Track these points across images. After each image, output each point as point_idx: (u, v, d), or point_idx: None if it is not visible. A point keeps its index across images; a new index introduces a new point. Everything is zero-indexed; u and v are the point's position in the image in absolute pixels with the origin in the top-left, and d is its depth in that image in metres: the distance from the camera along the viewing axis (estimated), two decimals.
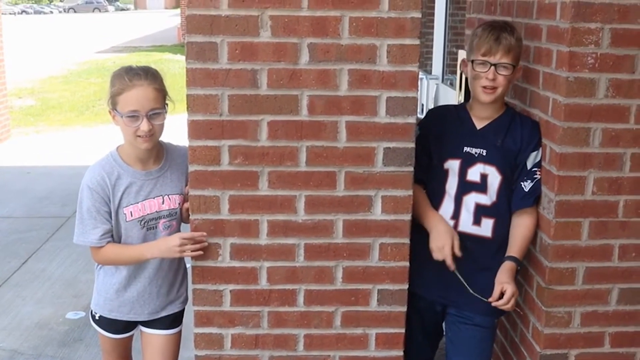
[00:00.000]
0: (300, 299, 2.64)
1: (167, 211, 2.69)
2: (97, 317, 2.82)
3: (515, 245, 2.70)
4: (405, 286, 2.64)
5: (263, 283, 2.62)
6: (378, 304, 2.65)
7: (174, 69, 18.85)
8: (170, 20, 34.11)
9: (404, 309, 2.67)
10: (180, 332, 2.92)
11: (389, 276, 2.62)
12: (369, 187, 2.54)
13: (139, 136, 2.53)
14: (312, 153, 2.50)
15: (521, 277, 2.95)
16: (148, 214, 2.65)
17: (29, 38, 26.56)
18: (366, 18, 2.41)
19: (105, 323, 2.81)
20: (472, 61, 2.65)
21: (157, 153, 2.69)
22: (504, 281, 2.60)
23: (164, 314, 2.82)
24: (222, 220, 2.55)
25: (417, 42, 2.44)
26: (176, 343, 2.91)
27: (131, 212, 2.63)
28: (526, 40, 2.80)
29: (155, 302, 2.78)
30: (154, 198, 2.66)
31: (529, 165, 2.72)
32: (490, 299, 2.61)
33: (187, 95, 2.45)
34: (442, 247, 2.62)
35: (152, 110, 2.53)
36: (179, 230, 2.74)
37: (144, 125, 2.50)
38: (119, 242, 2.67)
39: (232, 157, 2.50)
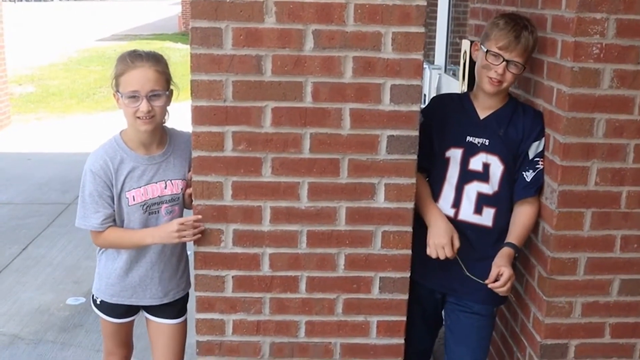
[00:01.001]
0: (302, 285, 2.64)
1: (169, 196, 2.69)
2: (98, 302, 2.83)
3: (515, 232, 2.71)
4: (407, 274, 2.65)
5: (265, 269, 2.62)
6: (380, 291, 2.66)
7: (174, 58, 18.78)
8: (171, 9, 33.99)
9: (406, 297, 2.67)
10: (186, 320, 2.93)
11: (391, 264, 2.63)
12: (372, 174, 2.54)
13: (138, 117, 2.54)
14: (316, 140, 2.50)
15: (522, 267, 2.95)
16: (150, 199, 2.66)
17: (30, 25, 26.48)
18: (371, 5, 2.40)
19: (107, 308, 2.82)
20: (487, 51, 2.64)
21: (161, 138, 2.70)
22: (501, 264, 2.61)
23: (166, 300, 2.83)
24: (225, 206, 2.55)
25: (423, 30, 2.43)
26: (184, 331, 2.93)
27: (133, 196, 2.63)
28: None
29: (158, 287, 2.78)
30: (156, 183, 2.66)
31: (531, 154, 2.72)
32: (486, 281, 2.61)
33: (191, 81, 2.45)
34: (440, 245, 2.63)
35: (152, 91, 2.54)
36: (181, 216, 2.74)
37: (143, 106, 2.51)
38: (121, 226, 2.67)
39: (236, 143, 2.50)
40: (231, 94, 2.46)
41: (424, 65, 5.05)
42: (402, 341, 2.72)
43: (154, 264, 2.75)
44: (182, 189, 2.72)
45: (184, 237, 2.55)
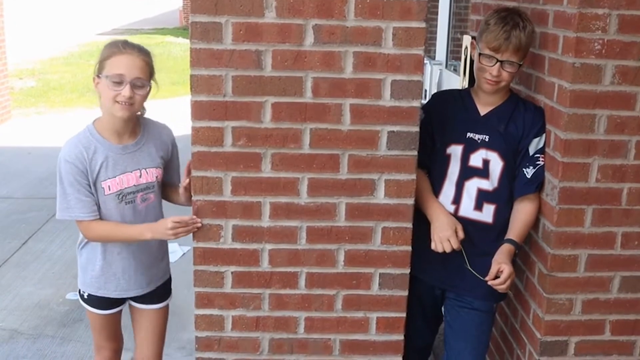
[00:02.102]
0: (302, 281, 2.63)
1: (144, 184, 2.70)
2: (85, 296, 2.84)
3: (515, 229, 2.70)
4: (407, 270, 2.64)
5: (265, 265, 2.61)
6: (379, 287, 2.65)
7: (175, 52, 18.82)
8: (172, 3, 33.92)
9: (405, 293, 2.66)
10: (168, 305, 2.97)
11: (391, 260, 2.62)
12: (372, 170, 2.53)
13: (118, 102, 2.54)
14: (316, 135, 2.49)
15: (523, 263, 2.94)
16: (126, 188, 2.66)
17: (30, 19, 26.44)
18: (372, 0, 2.39)
19: (94, 301, 2.82)
20: (480, 53, 2.63)
21: (134, 127, 2.70)
22: (501, 261, 2.60)
23: (149, 288, 2.86)
24: (225, 201, 2.54)
25: (423, 25, 2.42)
26: (165, 316, 2.98)
27: (109, 186, 2.63)
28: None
29: (141, 277, 2.80)
30: (131, 172, 2.67)
31: (532, 151, 2.71)
32: (486, 278, 2.60)
33: (191, 76, 2.44)
34: (445, 238, 2.62)
35: (137, 78, 2.56)
36: (158, 203, 2.78)
37: (126, 91, 2.52)
38: (99, 216, 2.66)
39: (236, 139, 2.49)
40: (231, 89, 2.45)
41: (425, 61, 5.04)
42: (402, 337, 2.72)
43: (136, 255, 2.76)
44: (156, 177, 2.73)
45: (178, 234, 2.55)
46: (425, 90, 6.07)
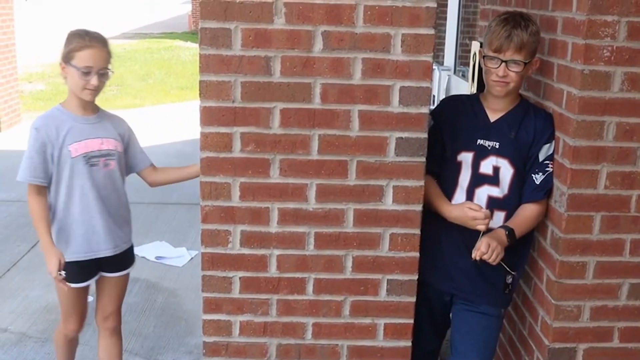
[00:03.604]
0: (310, 287, 2.63)
1: (106, 151, 2.98)
2: (62, 273, 2.95)
3: (514, 220, 2.70)
4: (415, 277, 2.64)
5: (273, 271, 2.61)
6: (387, 294, 2.65)
7: (184, 56, 18.86)
8: (182, 7, 34.00)
9: (413, 299, 2.66)
10: (129, 273, 3.22)
11: (399, 266, 2.62)
12: (380, 176, 2.53)
13: (87, 89, 2.86)
14: (324, 141, 2.49)
15: (531, 270, 2.94)
16: (91, 151, 2.94)
17: (40, 23, 26.57)
18: (381, 7, 2.39)
19: (70, 273, 2.95)
20: (484, 55, 2.64)
21: (94, 107, 3.04)
22: (486, 238, 2.58)
23: (116, 251, 3.08)
24: (233, 207, 2.55)
25: (432, 31, 2.42)
26: (126, 281, 3.24)
27: (75, 148, 2.91)
28: (541, 32, 2.78)
29: (107, 238, 3.02)
30: (93, 139, 2.96)
31: (541, 157, 2.70)
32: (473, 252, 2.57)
33: (200, 82, 2.44)
34: (481, 217, 2.60)
35: (102, 69, 2.87)
36: (118, 174, 3.03)
37: (94, 81, 2.84)
38: (68, 181, 2.93)
39: (244, 144, 2.49)
40: (240, 94, 2.45)
41: (433, 67, 5.04)
42: (410, 344, 2.71)
43: (96, 216, 2.99)
44: (116, 147, 3.01)
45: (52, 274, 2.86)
46: (434, 96, 6.07)
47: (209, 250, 2.60)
